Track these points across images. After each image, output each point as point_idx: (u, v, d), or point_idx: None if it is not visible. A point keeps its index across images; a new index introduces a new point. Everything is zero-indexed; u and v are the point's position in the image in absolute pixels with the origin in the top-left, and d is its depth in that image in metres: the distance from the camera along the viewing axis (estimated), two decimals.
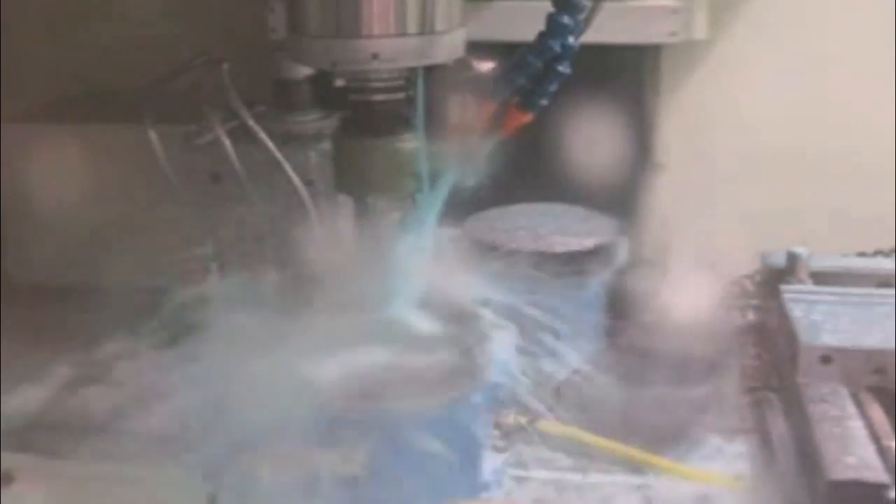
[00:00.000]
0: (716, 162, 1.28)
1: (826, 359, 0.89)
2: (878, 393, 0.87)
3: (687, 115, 1.27)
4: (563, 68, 0.76)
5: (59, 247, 1.10)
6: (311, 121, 1.02)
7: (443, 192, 0.81)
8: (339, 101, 0.89)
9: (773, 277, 1.04)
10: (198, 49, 1.01)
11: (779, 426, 0.90)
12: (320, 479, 0.78)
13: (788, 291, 0.99)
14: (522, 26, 0.78)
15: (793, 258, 1.05)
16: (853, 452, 0.78)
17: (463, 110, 0.83)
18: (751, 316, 1.07)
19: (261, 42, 1.04)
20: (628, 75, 1.15)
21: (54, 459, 0.86)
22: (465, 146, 0.81)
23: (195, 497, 0.79)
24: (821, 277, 1.04)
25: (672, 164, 1.27)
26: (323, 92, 1.02)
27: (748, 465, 0.88)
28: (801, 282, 1.03)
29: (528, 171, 1.10)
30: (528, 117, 0.79)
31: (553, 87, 0.77)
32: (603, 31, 0.81)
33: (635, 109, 1.20)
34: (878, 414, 0.84)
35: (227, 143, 0.98)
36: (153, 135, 1.01)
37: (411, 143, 0.83)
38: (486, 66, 0.82)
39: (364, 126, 0.84)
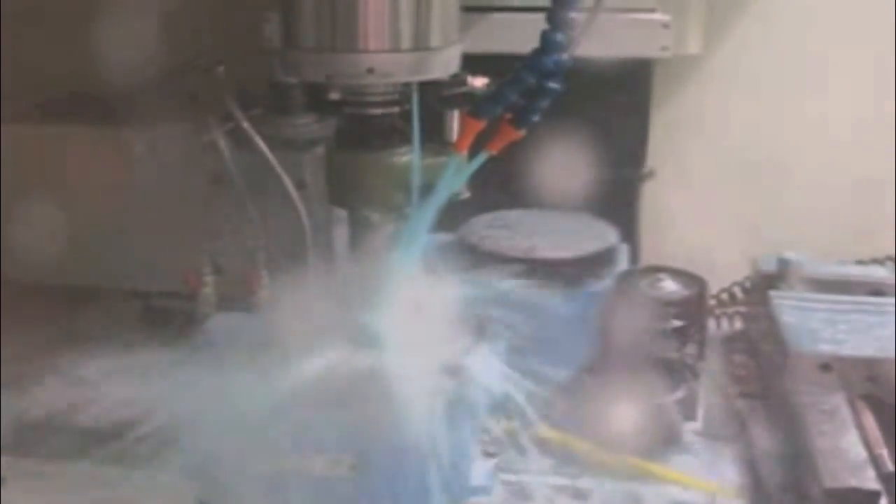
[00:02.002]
0: (710, 171, 1.28)
1: (820, 365, 0.89)
2: (869, 400, 0.88)
3: (679, 125, 1.28)
4: (556, 85, 0.76)
5: (56, 248, 1.09)
6: (305, 125, 1.02)
7: (435, 206, 0.82)
8: (334, 106, 0.89)
9: (764, 283, 1.05)
10: (196, 51, 1.01)
11: (764, 434, 0.91)
12: (308, 483, 0.79)
13: (778, 298, 1.00)
14: (518, 38, 0.78)
15: (784, 264, 1.05)
16: (847, 460, 0.79)
17: (457, 125, 0.83)
18: (738, 323, 1.07)
19: (258, 44, 1.04)
20: (620, 86, 1.15)
21: (45, 462, 0.87)
22: (458, 161, 0.81)
23: (184, 501, 0.80)
24: (814, 285, 1.04)
25: (667, 172, 1.27)
26: (318, 96, 1.02)
27: (735, 472, 0.88)
28: (791, 288, 1.04)
29: (522, 178, 1.10)
30: (519, 134, 0.79)
31: (545, 104, 0.77)
32: (596, 45, 0.81)
33: (628, 118, 1.20)
34: (869, 422, 0.86)
35: (224, 145, 0.98)
36: (152, 136, 1.01)
37: (406, 157, 0.83)
38: (480, 81, 0.82)
39: (359, 140, 0.85)
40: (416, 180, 0.81)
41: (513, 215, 1.13)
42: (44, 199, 1.06)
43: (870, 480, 0.77)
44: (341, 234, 0.96)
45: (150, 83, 1.02)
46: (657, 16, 1.10)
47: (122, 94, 1.03)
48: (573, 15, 0.75)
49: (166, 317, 1.05)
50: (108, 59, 1.14)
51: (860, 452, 0.81)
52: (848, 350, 0.90)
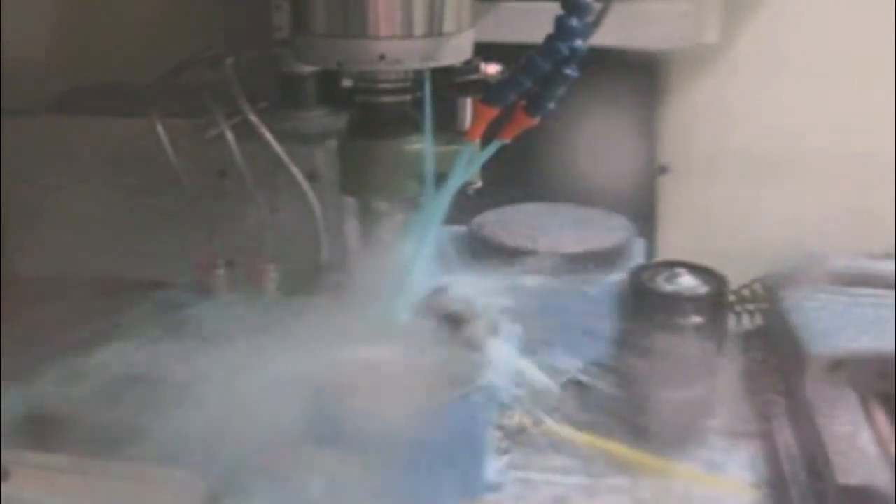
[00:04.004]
0: (730, 164, 1.27)
1: (835, 364, 0.89)
2: (887, 399, 0.87)
3: (696, 117, 1.26)
4: (571, 71, 0.75)
5: (65, 239, 1.09)
6: (316, 117, 1.02)
7: (448, 195, 0.80)
8: (345, 98, 0.88)
9: (784, 279, 1.03)
10: (204, 44, 1.01)
11: (784, 431, 0.90)
12: (319, 480, 0.78)
13: (794, 294, 0.99)
14: (530, 28, 0.77)
15: (804, 260, 1.04)
16: (861, 458, 0.79)
17: (470, 113, 0.82)
18: (759, 319, 1.06)
19: (268, 37, 1.04)
20: (636, 77, 1.14)
21: (52, 455, 0.86)
22: (470, 149, 0.80)
23: (193, 495, 0.79)
24: (834, 280, 1.03)
25: (683, 166, 1.26)
26: (329, 89, 1.01)
27: (753, 470, 0.87)
28: (811, 284, 1.02)
29: (536, 171, 1.10)
30: (534, 121, 0.78)
31: (560, 91, 0.76)
32: (612, 34, 0.80)
33: (642, 110, 1.19)
34: (881, 419, 0.85)
35: (232, 138, 0.97)
36: (160, 128, 1.00)
37: (417, 145, 0.82)
38: (493, 68, 0.81)
39: (370, 127, 0.83)
40: (430, 168, 0.80)
41: (526, 209, 1.12)
42: (52, 191, 1.06)
43: (884, 479, 0.76)
44: (353, 226, 0.95)
45: (158, 76, 1.02)
46: (676, 5, 1.09)
47: (130, 87, 1.03)
48: (589, 0, 0.73)
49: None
50: (117, 51, 1.14)
51: (874, 450, 0.80)
52: (861, 347, 0.89)
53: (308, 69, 1.01)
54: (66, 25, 1.25)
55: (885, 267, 1.05)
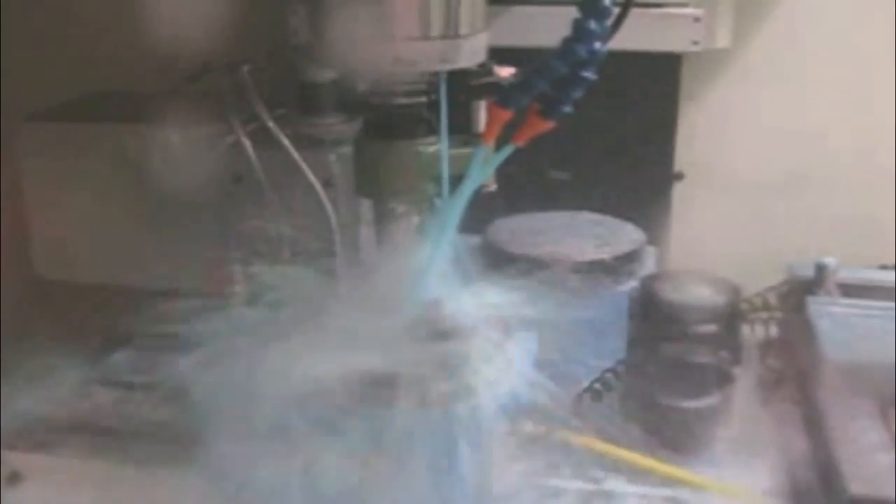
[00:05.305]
0: (738, 171, 1.26)
1: (851, 373, 0.88)
2: None
3: (709, 123, 1.26)
4: (589, 75, 0.75)
5: (85, 245, 1.10)
6: (332, 124, 1.02)
7: (464, 197, 0.80)
8: (361, 105, 0.88)
9: (800, 289, 1.03)
10: (221, 50, 1.01)
11: (799, 440, 0.89)
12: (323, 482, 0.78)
13: (814, 303, 0.98)
14: (543, 32, 0.77)
15: (821, 269, 1.03)
16: (874, 468, 0.78)
17: (484, 115, 0.82)
18: (773, 329, 1.05)
19: (285, 44, 1.04)
20: (648, 82, 1.14)
21: (66, 459, 0.86)
22: (485, 151, 0.80)
23: (203, 497, 0.79)
24: (849, 289, 1.02)
25: (694, 173, 1.26)
26: (345, 95, 1.02)
27: (767, 479, 0.87)
28: (828, 294, 1.02)
29: (549, 179, 1.09)
30: (549, 125, 0.77)
31: (577, 94, 0.76)
32: (625, 38, 0.80)
33: (655, 117, 1.19)
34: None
35: (248, 144, 0.98)
36: (176, 136, 1.01)
37: (433, 146, 0.82)
38: (506, 71, 0.81)
39: (385, 129, 0.83)
40: (445, 171, 0.80)
41: (539, 217, 1.12)
42: (71, 198, 1.06)
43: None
44: (368, 232, 0.95)
45: (175, 83, 1.02)
46: (689, 10, 1.10)
47: (148, 94, 1.04)
48: (607, 3, 0.73)
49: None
50: (134, 58, 1.15)
51: (888, 460, 0.79)
52: (878, 356, 0.88)
53: (324, 76, 1.02)
54: (81, 31, 1.26)
55: None
